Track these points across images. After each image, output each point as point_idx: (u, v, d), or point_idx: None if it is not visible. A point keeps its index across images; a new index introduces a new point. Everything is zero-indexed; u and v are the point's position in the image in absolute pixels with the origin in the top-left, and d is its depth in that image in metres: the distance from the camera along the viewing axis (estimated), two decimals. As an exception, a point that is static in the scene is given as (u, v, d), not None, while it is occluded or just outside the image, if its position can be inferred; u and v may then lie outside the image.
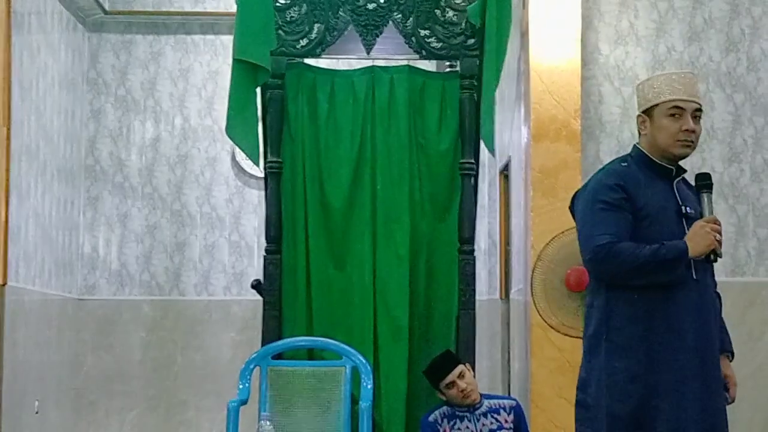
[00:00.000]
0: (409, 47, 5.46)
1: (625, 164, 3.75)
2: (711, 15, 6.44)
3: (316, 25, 5.42)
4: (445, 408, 5.04)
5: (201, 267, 8.34)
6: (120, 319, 8.28)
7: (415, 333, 5.37)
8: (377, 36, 5.43)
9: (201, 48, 8.49)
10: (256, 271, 7.71)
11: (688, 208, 3.60)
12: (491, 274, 8.33)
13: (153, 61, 8.46)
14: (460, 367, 5.02)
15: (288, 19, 5.41)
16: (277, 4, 5.36)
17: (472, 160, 5.38)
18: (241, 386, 5.05)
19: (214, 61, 8.44)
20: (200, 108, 8.43)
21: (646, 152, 3.71)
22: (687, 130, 3.60)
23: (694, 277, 3.56)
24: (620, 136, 6.36)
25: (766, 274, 6.29)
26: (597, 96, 6.41)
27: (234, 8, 5.25)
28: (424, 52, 5.46)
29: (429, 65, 6.18)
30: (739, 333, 6.18)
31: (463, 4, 5.41)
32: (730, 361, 3.78)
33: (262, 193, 5.76)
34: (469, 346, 5.26)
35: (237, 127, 5.25)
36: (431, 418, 5.03)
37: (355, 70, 5.62)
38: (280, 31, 5.35)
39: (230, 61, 5.22)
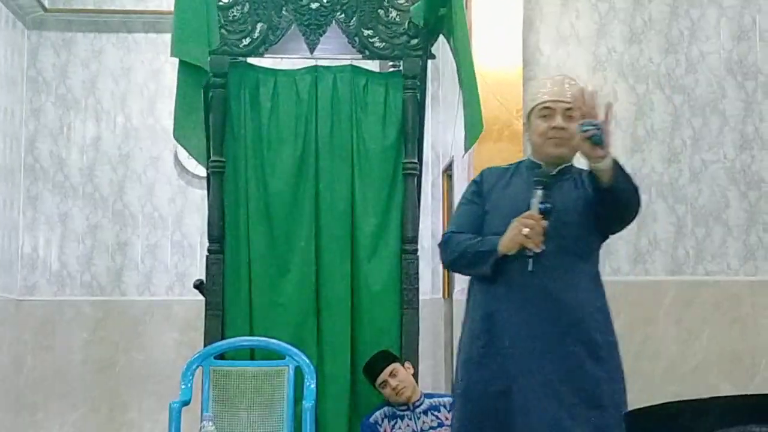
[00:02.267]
0: (353, 47, 5.46)
1: (506, 167, 3.90)
2: (651, 17, 6.51)
3: (259, 25, 5.40)
4: (386, 408, 5.07)
5: (143, 267, 8.29)
6: (61, 319, 8.20)
7: (358, 332, 5.38)
8: (320, 36, 5.43)
9: (143, 46, 8.43)
10: (199, 271, 7.67)
11: (542, 205, 3.58)
12: (434, 273, 8.36)
13: (94, 60, 8.39)
14: (392, 366, 5.05)
15: (230, 18, 5.39)
16: (220, 3, 5.34)
17: (415, 160, 5.41)
18: (183, 387, 5.02)
19: (156, 59, 8.39)
20: (142, 107, 8.37)
21: (532, 157, 3.82)
22: (555, 127, 3.68)
23: (530, 268, 3.57)
24: (562, 137, 6.40)
25: (704, 273, 6.37)
26: (539, 96, 6.44)
27: (177, 7, 5.22)
28: (367, 52, 5.47)
29: (372, 65, 6.19)
30: (678, 331, 6.27)
31: (406, 4, 5.42)
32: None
33: (205, 192, 5.73)
34: (412, 346, 5.28)
35: (184, 129, 5.22)
36: (372, 419, 5.06)
37: (298, 69, 5.61)
38: (222, 30, 5.33)
39: (172, 60, 5.20)
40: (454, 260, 3.77)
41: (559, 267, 3.63)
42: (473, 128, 5.26)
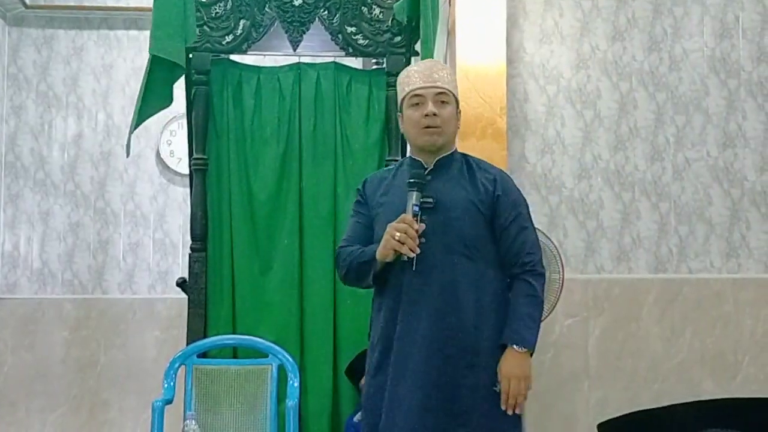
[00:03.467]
0: (336, 44, 5.45)
1: (388, 169, 3.86)
2: (634, 14, 6.52)
3: (242, 22, 5.38)
4: (371, 406, 5.05)
5: (125, 265, 8.24)
6: (42, 318, 8.15)
7: (341, 331, 5.36)
8: (304, 33, 5.41)
9: (124, 44, 8.39)
10: (181, 269, 7.65)
11: (416, 207, 3.52)
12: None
13: (75, 57, 8.34)
14: (374, 367, 5.03)
15: (213, 14, 5.37)
16: (202, 0, 5.31)
17: (398, 157, 5.39)
18: (165, 385, 5.00)
19: (137, 57, 8.34)
20: (123, 104, 8.33)
21: (411, 154, 3.75)
22: (427, 114, 3.59)
23: (413, 268, 3.51)
24: (545, 134, 6.41)
25: (687, 271, 6.38)
26: (522, 94, 6.44)
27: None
28: (350, 50, 5.45)
29: (355, 62, 6.17)
30: (662, 329, 6.27)
31: (389, 1, 5.41)
32: (523, 350, 3.53)
33: (187, 190, 5.70)
34: (395, 344, 5.27)
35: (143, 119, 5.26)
36: (356, 418, 5.04)
37: (281, 66, 5.59)
38: (205, 27, 5.31)
39: (154, 56, 5.16)
40: (345, 275, 3.72)
41: (442, 266, 3.54)
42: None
